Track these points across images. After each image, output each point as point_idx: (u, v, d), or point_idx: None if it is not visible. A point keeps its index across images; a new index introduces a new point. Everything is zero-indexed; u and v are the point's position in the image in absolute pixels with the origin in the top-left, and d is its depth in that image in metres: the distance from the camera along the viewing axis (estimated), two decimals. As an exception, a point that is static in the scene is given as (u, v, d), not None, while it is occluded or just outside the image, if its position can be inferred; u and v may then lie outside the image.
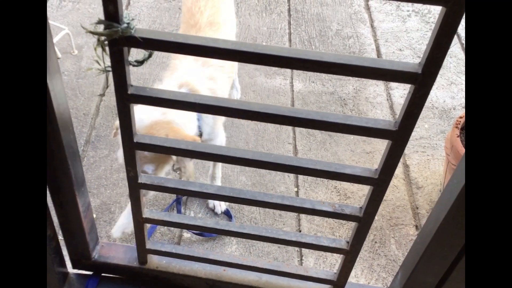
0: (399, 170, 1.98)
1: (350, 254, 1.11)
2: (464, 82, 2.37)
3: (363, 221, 1.03)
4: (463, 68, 2.46)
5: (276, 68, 2.44)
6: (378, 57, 2.53)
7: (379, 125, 0.84)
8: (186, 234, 1.78)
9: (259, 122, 2.18)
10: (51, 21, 2.50)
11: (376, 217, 1.81)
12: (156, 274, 1.33)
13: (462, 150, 1.59)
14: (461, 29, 2.69)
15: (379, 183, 0.93)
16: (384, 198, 1.88)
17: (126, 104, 0.90)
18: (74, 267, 1.35)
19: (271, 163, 0.99)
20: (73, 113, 2.19)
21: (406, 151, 2.05)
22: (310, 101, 2.28)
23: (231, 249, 1.73)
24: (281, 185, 1.91)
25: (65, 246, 1.37)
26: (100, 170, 1.98)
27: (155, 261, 1.36)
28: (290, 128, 2.16)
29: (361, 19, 2.76)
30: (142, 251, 1.34)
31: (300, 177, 1.97)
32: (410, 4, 2.87)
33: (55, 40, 2.37)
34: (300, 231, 1.81)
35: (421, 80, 0.74)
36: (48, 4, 2.75)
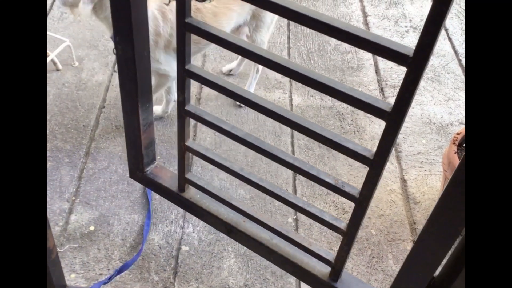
0: (396, 185, 1.99)
1: (346, 237, 1.17)
2: (461, 98, 2.39)
3: (359, 202, 1.08)
4: (461, 84, 2.48)
5: (275, 82, 2.46)
6: (376, 72, 2.55)
7: (376, 103, 0.90)
8: (184, 248, 1.78)
9: (258, 136, 2.20)
10: (52, 33, 2.52)
11: (373, 232, 1.82)
12: (188, 204, 1.48)
13: (459, 166, 1.60)
14: (459, 45, 2.73)
15: (373, 164, 0.99)
16: (382, 213, 1.89)
17: (184, 32, 1.07)
18: (130, 176, 1.55)
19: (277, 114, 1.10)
20: (72, 125, 2.21)
21: (403, 166, 2.07)
22: (309, 115, 2.30)
23: (229, 263, 1.74)
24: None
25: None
26: (99, 182, 1.99)
27: (191, 192, 1.53)
28: (288, 141, 2.17)
29: (360, 35, 2.79)
30: (181, 179, 1.51)
31: (299, 190, 1.98)
32: (408, 19, 2.91)
33: (56, 52, 2.39)
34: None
35: (412, 62, 0.81)
36: (49, 16, 2.78)
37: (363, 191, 1.08)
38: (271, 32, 2.23)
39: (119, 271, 1.66)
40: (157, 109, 2.30)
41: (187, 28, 1.13)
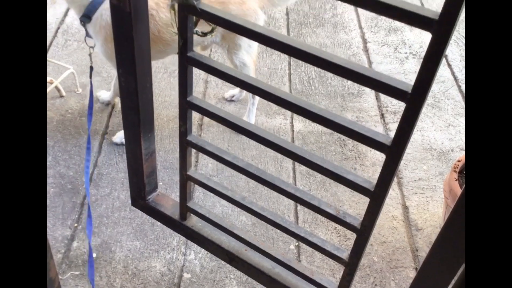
0: (398, 212, 1.99)
1: (348, 266, 1.17)
2: (461, 124, 2.41)
3: (360, 233, 1.09)
4: (461, 110, 2.50)
5: (277, 108, 2.48)
6: (376, 98, 2.57)
7: (376, 137, 0.92)
8: (186, 275, 1.78)
9: (259, 162, 2.21)
10: (56, 61, 2.56)
11: (376, 259, 1.82)
12: (190, 232, 1.49)
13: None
14: (458, 71, 2.75)
15: (374, 195, 1.00)
16: (384, 239, 1.89)
17: (186, 65, 1.10)
18: (132, 204, 1.57)
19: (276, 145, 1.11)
20: (75, 151, 2.22)
21: (405, 192, 2.07)
22: (310, 141, 2.32)
23: (231, 291, 1.73)
24: (281, 226, 1.93)
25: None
26: (102, 208, 1.99)
27: (193, 220, 1.54)
28: (290, 167, 2.18)
29: (360, 61, 2.82)
30: (183, 207, 1.52)
31: (300, 216, 1.98)
32: (407, 46, 2.94)
33: (60, 79, 2.42)
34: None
35: (411, 98, 0.82)
36: (53, 43, 2.82)
37: (365, 222, 1.09)
38: (255, 54, 2.22)
39: None
40: (106, 94, 2.48)
41: (189, 62, 1.15)
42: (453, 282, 1.14)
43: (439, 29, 0.76)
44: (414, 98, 0.84)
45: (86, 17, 1.94)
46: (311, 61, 0.93)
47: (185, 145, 1.35)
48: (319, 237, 1.27)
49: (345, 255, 1.21)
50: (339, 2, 2.65)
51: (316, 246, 1.25)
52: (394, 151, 0.92)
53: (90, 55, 2.07)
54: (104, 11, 1.90)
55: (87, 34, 2.04)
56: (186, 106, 1.24)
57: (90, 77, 2.15)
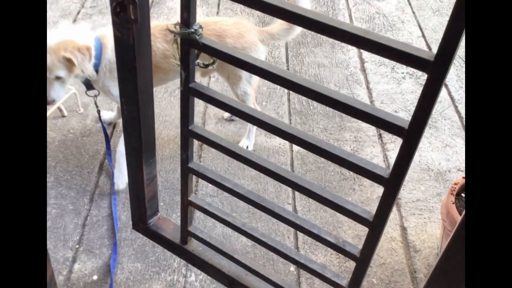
0: (396, 233, 2.01)
1: None
2: (458, 145, 2.44)
3: (360, 261, 1.11)
4: (457, 131, 2.53)
5: (276, 128, 2.51)
6: (374, 118, 2.60)
7: (374, 169, 0.95)
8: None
9: (259, 183, 2.23)
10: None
11: (375, 281, 1.84)
12: (190, 256, 1.53)
13: (457, 217, 1.63)
14: (455, 91, 2.79)
15: (373, 225, 1.03)
16: (383, 261, 1.91)
17: (187, 96, 1.15)
18: (133, 227, 1.61)
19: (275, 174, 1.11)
20: (77, 171, 2.24)
21: (403, 213, 2.10)
22: (309, 161, 2.34)
23: (231, 313, 1.74)
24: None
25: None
26: (103, 229, 2.01)
27: (193, 244, 1.58)
28: (290, 190, 2.20)
29: (357, 81, 2.86)
30: (184, 232, 1.55)
31: (300, 238, 2.00)
32: (404, 66, 2.98)
33: (62, 99, 2.45)
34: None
35: (407, 134, 0.86)
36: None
37: (364, 251, 1.11)
38: (256, 83, 2.25)
39: None
40: (108, 115, 2.53)
41: (191, 93, 1.18)
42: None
43: (435, 69, 0.79)
44: (411, 134, 0.87)
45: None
46: (309, 95, 0.95)
47: (187, 171, 1.38)
48: (319, 264, 1.29)
49: (344, 282, 1.23)
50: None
51: (316, 273, 1.27)
52: (392, 184, 0.95)
53: (95, 102, 2.18)
54: (109, 55, 1.98)
55: (88, 88, 2.13)
56: (188, 134, 1.27)
57: (100, 120, 2.27)
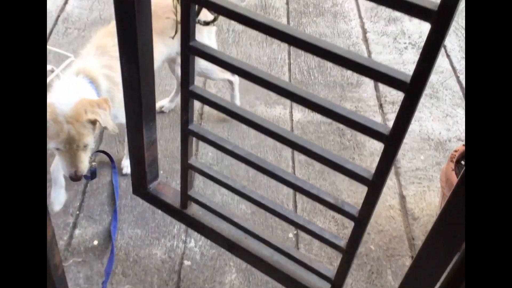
0: (395, 201, 2.02)
1: (346, 254, 1.20)
2: (459, 115, 2.43)
3: (358, 221, 1.12)
4: (459, 101, 2.52)
5: (276, 98, 2.50)
6: (375, 88, 2.59)
7: (375, 127, 0.95)
8: (187, 262, 1.81)
9: (259, 152, 2.23)
10: (56, 49, 2.57)
11: (372, 248, 1.85)
12: (190, 220, 1.53)
13: (456, 183, 1.63)
14: (457, 62, 2.77)
15: (373, 184, 1.03)
16: (381, 228, 1.92)
17: (188, 54, 1.12)
18: (133, 192, 1.63)
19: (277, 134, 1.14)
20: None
21: (402, 181, 2.10)
22: (309, 131, 2.34)
23: (231, 278, 1.76)
24: (280, 214, 1.95)
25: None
26: (103, 196, 2.02)
27: (193, 209, 1.57)
28: (289, 156, 2.21)
29: (359, 51, 2.84)
30: (184, 196, 1.55)
31: (299, 205, 2.01)
32: (406, 36, 2.95)
33: (61, 67, 2.43)
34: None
35: (409, 88, 0.85)
36: (54, 31, 2.82)
37: (362, 211, 1.12)
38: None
39: (107, 275, 1.71)
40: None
41: (191, 51, 1.16)
42: (448, 270, 1.17)
43: (438, 19, 0.78)
44: (413, 88, 0.86)
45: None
46: (311, 50, 0.94)
47: (187, 134, 1.37)
48: (318, 226, 1.29)
49: (343, 243, 1.24)
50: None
51: (315, 234, 1.27)
52: (392, 141, 0.95)
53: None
54: (104, 91, 1.81)
55: (91, 178, 1.96)
56: (188, 95, 1.26)
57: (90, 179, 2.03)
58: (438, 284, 1.20)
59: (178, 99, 2.37)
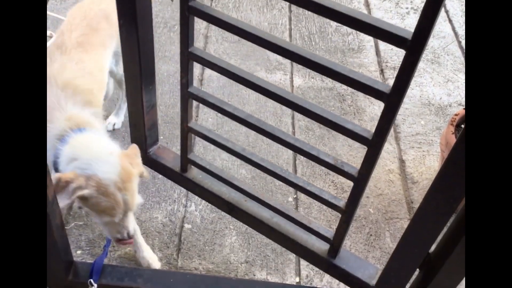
0: (395, 165, 2.03)
1: (345, 214, 1.22)
2: (460, 80, 2.42)
3: (358, 181, 1.13)
4: (460, 66, 2.50)
5: (277, 63, 2.48)
6: (376, 54, 2.57)
7: (375, 85, 0.94)
8: (187, 225, 1.83)
9: (259, 117, 2.23)
10: (54, 14, 2.54)
11: (371, 211, 1.87)
12: (190, 184, 1.54)
13: (456, 147, 1.64)
14: (459, 27, 2.74)
15: (372, 144, 1.03)
16: (380, 192, 1.93)
17: (187, 15, 1.12)
18: None
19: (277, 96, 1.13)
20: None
21: (402, 146, 2.10)
22: (310, 97, 2.33)
23: (231, 240, 1.78)
24: (280, 179, 1.97)
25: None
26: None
27: (193, 172, 1.58)
28: (289, 122, 2.21)
29: (361, 16, 2.80)
30: (184, 159, 1.56)
31: (299, 170, 2.02)
32: (409, 1, 2.91)
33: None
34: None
35: (411, 45, 0.84)
36: (51, -4, 2.79)
37: (362, 171, 1.12)
38: None
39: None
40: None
41: (190, 12, 1.15)
42: (444, 231, 1.18)
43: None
44: (414, 45, 0.85)
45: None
46: (313, 9, 0.93)
47: (187, 96, 1.36)
48: (317, 187, 1.30)
49: (342, 203, 1.25)
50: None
51: (314, 195, 1.28)
52: (392, 100, 0.94)
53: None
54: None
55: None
56: (188, 57, 1.25)
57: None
58: (435, 245, 1.22)
59: (124, 111, 2.14)
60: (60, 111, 1.40)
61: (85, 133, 1.37)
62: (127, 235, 1.38)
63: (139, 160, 1.38)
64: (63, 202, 1.24)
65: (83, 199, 1.27)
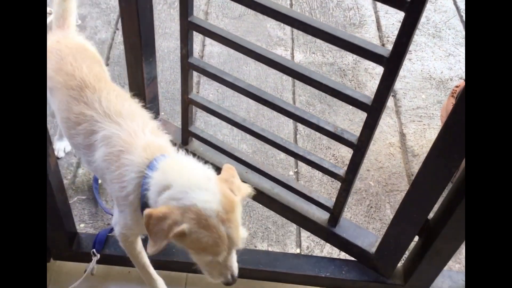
0: (395, 139, 2.03)
1: (345, 182, 1.23)
2: (461, 54, 2.41)
3: (357, 148, 1.14)
4: (461, 40, 2.49)
5: (277, 39, 2.47)
6: (378, 28, 2.56)
7: (375, 49, 0.95)
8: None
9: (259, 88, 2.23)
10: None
11: (372, 184, 1.88)
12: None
13: (456, 118, 1.64)
14: (460, 1, 2.72)
15: (372, 109, 1.04)
16: (381, 165, 1.94)
17: None
18: None
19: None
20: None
21: (403, 120, 2.11)
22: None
23: (233, 213, 1.80)
24: (281, 153, 1.97)
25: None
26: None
27: (195, 145, 1.61)
28: (290, 97, 2.21)
29: (362, -9, 2.78)
30: (185, 132, 1.58)
31: (300, 144, 2.03)
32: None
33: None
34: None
35: (410, 6, 0.84)
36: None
37: (361, 137, 1.13)
38: None
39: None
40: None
41: (189, -21, 1.14)
42: (441, 200, 1.19)
43: None
44: (413, 5, 0.85)
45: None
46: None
47: (187, 67, 1.37)
48: (317, 156, 1.31)
49: (341, 171, 1.26)
50: None
51: (315, 164, 1.29)
52: (392, 64, 0.94)
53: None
54: None
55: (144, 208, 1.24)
56: (187, 27, 1.25)
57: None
58: (432, 213, 1.23)
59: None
60: (136, 140, 1.21)
61: (170, 158, 1.19)
62: (231, 277, 1.15)
63: (238, 181, 1.15)
64: (158, 244, 1.03)
65: (181, 235, 1.04)
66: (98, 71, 1.38)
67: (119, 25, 2.51)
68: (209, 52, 2.40)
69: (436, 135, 2.03)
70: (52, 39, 1.44)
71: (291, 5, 2.69)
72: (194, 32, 1.27)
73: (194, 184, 1.07)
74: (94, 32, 2.46)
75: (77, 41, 1.49)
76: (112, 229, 1.53)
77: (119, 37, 2.47)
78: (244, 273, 1.35)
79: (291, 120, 2.12)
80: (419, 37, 2.51)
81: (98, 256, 1.43)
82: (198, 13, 2.60)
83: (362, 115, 2.08)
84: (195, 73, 1.46)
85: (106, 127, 1.23)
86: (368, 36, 2.51)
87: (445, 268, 1.31)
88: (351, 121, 2.11)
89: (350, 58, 2.40)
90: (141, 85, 1.56)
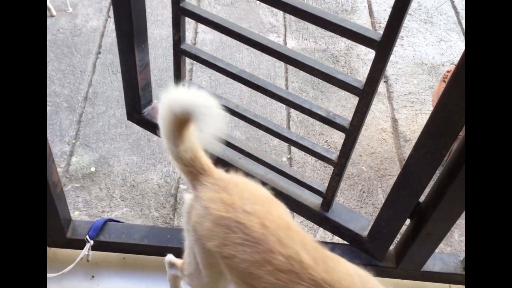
0: (387, 124, 2.05)
1: (337, 167, 1.24)
2: (453, 39, 2.42)
3: (349, 132, 1.14)
4: (453, 26, 2.50)
5: (270, 26, 2.47)
6: (370, 15, 2.56)
7: (366, 33, 0.95)
8: (183, 186, 1.85)
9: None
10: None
11: (364, 169, 1.90)
12: None
13: (448, 103, 1.65)
14: (452, -13, 2.73)
15: (363, 94, 1.04)
16: (373, 151, 1.96)
17: None
18: (127, 118, 1.60)
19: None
20: (69, 71, 2.23)
21: (395, 105, 2.12)
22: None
23: (227, 199, 1.81)
24: (274, 139, 1.98)
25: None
26: (98, 125, 2.03)
27: None
28: (283, 84, 2.21)
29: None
30: None
31: (292, 130, 2.03)
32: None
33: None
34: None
35: None
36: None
37: (353, 122, 1.14)
38: None
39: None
40: None
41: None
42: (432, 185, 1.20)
43: None
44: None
45: None
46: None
47: (179, 54, 1.37)
48: (310, 141, 1.32)
49: (334, 156, 1.27)
50: None
51: (307, 149, 1.30)
52: (383, 47, 0.95)
53: None
54: None
55: None
56: (179, 12, 1.25)
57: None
58: (423, 196, 1.24)
59: None
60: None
61: None
62: None
63: None
64: None
65: None
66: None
67: (111, 13, 2.50)
68: (202, 39, 2.40)
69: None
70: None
71: (283, -9, 2.68)
72: (187, 20, 1.27)
73: None
74: (86, 20, 2.44)
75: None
76: (109, 219, 1.54)
77: (111, 25, 2.45)
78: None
79: (284, 107, 2.13)
80: (410, 23, 2.52)
81: (92, 242, 1.44)
82: (191, 0, 2.59)
83: (354, 101, 2.10)
84: (188, 61, 1.46)
85: None
86: (360, 22, 2.52)
87: (437, 251, 1.33)
88: (343, 107, 2.12)
89: (342, 44, 2.40)
90: (134, 72, 1.55)
